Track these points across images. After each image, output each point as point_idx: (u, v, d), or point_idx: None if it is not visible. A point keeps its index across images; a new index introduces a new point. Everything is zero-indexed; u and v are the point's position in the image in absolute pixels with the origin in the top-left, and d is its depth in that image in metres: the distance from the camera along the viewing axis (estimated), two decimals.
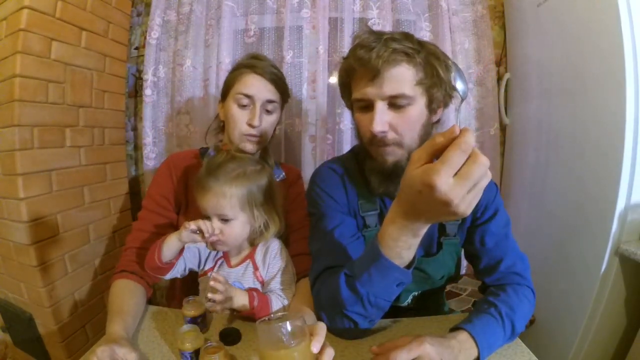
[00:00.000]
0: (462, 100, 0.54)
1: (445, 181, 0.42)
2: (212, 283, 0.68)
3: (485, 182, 0.44)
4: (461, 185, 0.42)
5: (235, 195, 0.75)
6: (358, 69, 0.67)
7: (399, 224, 0.53)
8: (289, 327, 0.47)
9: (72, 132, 1.17)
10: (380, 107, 0.65)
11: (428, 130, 0.72)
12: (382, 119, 0.65)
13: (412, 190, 0.47)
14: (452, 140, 0.43)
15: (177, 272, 0.78)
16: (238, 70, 0.93)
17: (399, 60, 0.64)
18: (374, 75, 0.64)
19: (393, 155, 0.69)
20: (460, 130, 0.43)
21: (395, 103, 0.66)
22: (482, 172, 0.42)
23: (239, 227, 0.77)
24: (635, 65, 0.86)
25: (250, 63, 0.92)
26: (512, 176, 1.38)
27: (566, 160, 1.09)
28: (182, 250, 0.76)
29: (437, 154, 0.45)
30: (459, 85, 0.52)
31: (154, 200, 0.90)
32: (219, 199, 0.74)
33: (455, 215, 0.45)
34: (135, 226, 0.90)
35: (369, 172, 0.73)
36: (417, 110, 0.67)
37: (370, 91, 0.66)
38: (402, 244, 0.55)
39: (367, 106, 0.68)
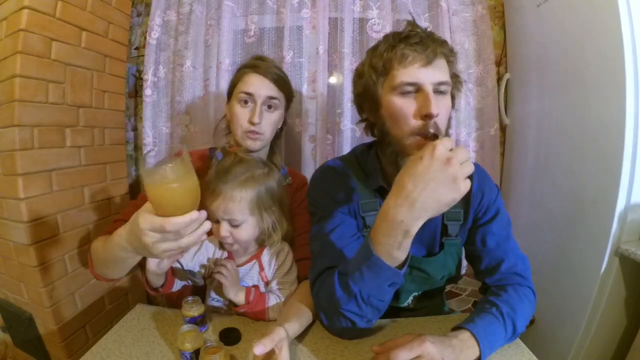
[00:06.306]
0: None
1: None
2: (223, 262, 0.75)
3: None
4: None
5: (244, 199, 0.75)
6: (413, 53, 0.66)
7: (390, 216, 0.55)
8: (168, 166, 0.51)
9: (72, 132, 1.17)
10: (431, 91, 0.66)
11: (449, 123, 0.73)
12: (436, 102, 0.65)
13: (412, 163, 0.53)
14: None
15: (180, 285, 0.78)
16: (241, 70, 0.96)
17: (444, 53, 0.68)
18: (430, 60, 0.65)
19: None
20: None
21: (438, 90, 0.67)
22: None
23: (248, 230, 0.77)
24: (635, 65, 0.86)
25: (253, 63, 0.95)
26: (512, 176, 1.38)
27: (566, 160, 1.09)
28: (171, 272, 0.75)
29: None
30: None
31: None
32: (229, 203, 0.74)
33: (455, 187, 0.50)
34: (132, 203, 0.89)
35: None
36: (449, 100, 0.70)
37: (423, 74, 0.66)
38: (393, 241, 0.55)
39: (415, 91, 0.67)
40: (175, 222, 0.52)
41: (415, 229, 0.54)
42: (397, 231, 0.54)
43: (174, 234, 0.53)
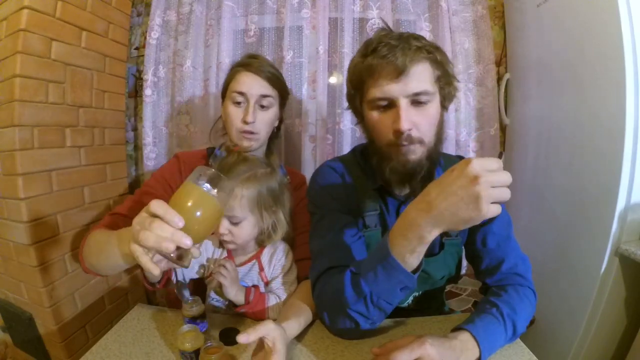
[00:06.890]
0: None
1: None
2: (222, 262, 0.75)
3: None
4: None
5: (245, 197, 0.76)
6: (381, 67, 0.65)
7: (409, 217, 0.55)
8: (213, 175, 0.50)
9: (72, 132, 1.17)
10: (405, 104, 0.65)
11: (441, 128, 0.72)
12: (408, 117, 0.64)
13: (442, 177, 0.52)
14: None
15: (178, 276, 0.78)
16: (234, 69, 0.95)
17: (422, 57, 0.65)
18: (399, 72, 0.63)
19: (415, 153, 0.68)
20: None
21: (417, 100, 0.66)
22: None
23: (247, 228, 0.77)
24: (635, 65, 0.86)
25: (245, 62, 0.94)
26: (512, 176, 1.38)
27: (566, 160, 1.09)
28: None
29: None
30: None
31: (157, 182, 0.90)
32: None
33: (476, 207, 0.48)
34: (130, 198, 0.89)
35: (390, 172, 0.71)
36: (436, 107, 0.68)
37: (394, 89, 0.65)
38: (407, 244, 0.55)
39: (388, 105, 0.67)
40: (160, 204, 0.48)
41: (429, 237, 0.53)
42: (413, 234, 0.54)
43: (149, 218, 0.49)
